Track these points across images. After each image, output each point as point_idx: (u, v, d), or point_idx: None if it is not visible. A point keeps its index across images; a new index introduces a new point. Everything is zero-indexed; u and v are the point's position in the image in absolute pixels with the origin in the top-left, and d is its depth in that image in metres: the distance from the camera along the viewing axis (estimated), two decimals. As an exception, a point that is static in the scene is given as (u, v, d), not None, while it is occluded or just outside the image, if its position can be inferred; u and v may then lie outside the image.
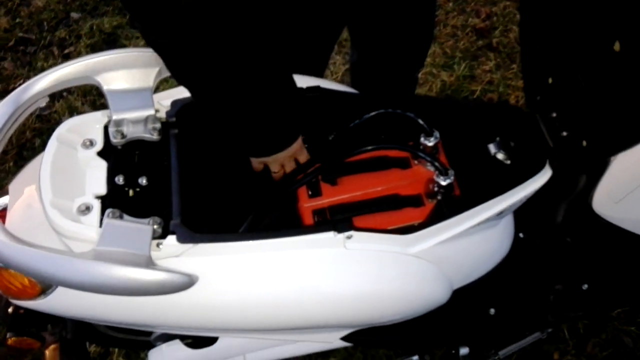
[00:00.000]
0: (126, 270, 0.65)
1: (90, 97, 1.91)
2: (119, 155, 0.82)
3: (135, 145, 0.84)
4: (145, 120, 0.84)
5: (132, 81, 0.84)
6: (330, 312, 0.80)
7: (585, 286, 1.16)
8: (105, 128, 0.83)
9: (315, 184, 0.91)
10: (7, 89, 1.95)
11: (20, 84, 1.95)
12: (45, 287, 0.76)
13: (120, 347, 1.35)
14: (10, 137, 0.80)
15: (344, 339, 0.94)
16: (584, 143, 0.86)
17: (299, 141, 0.87)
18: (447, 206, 0.86)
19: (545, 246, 1.18)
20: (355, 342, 0.95)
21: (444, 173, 0.87)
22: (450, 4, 2.18)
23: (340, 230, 0.77)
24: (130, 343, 1.00)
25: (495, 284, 1.08)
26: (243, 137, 0.82)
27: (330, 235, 0.77)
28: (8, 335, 0.89)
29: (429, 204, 0.90)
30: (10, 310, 0.91)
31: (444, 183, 0.87)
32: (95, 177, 0.78)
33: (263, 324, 0.80)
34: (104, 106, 0.84)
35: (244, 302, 0.76)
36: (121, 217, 0.75)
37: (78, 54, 2.03)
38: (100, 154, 0.81)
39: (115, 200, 0.77)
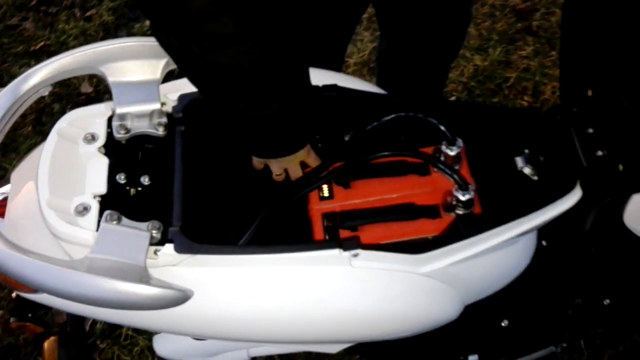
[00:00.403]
0: (118, 284, 0.62)
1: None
2: (121, 151, 0.79)
3: (139, 140, 0.80)
4: (151, 114, 0.80)
5: (138, 73, 0.79)
6: (333, 329, 0.77)
7: (606, 301, 1.11)
8: (109, 122, 0.80)
9: (328, 185, 0.86)
10: (27, 50, 1.92)
11: (40, 46, 1.94)
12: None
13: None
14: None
15: (347, 350, 0.91)
16: (620, 167, 0.79)
17: (307, 146, 0.82)
18: (465, 224, 0.81)
19: (568, 256, 1.12)
20: (359, 353, 0.92)
21: (463, 187, 0.82)
22: (491, -20, 2.05)
23: (346, 248, 0.73)
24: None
25: (510, 294, 1.03)
26: (248, 136, 0.77)
27: (335, 252, 0.73)
28: (11, 320, 0.89)
29: (446, 217, 0.85)
30: (13, 295, 0.90)
31: (463, 198, 0.82)
32: (95, 174, 0.75)
33: (262, 338, 0.78)
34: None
35: (242, 316, 0.73)
36: (119, 220, 0.72)
37: (100, 17, 1.98)
38: (103, 148, 0.78)
39: (114, 201, 0.74)
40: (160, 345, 1.06)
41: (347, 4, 1.11)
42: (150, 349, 1.41)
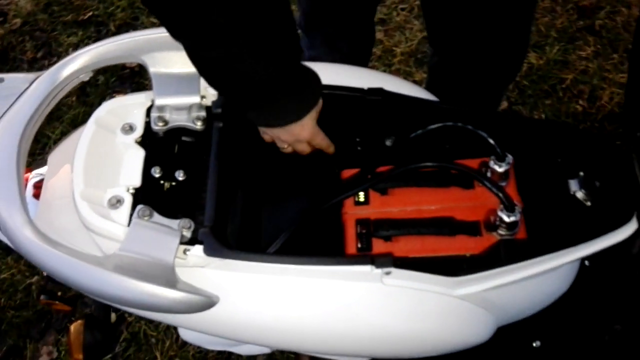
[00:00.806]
0: (144, 286, 0.61)
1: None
2: (158, 143, 0.77)
3: (177, 133, 0.79)
4: (190, 107, 0.78)
5: (180, 64, 0.77)
6: (359, 344, 0.75)
7: (648, 331, 1.05)
8: (147, 112, 0.78)
9: (364, 190, 0.83)
10: (76, 19, 1.94)
11: (88, 16, 1.95)
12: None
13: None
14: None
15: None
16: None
17: (310, 124, 0.76)
18: (507, 250, 0.76)
19: (612, 279, 1.07)
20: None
21: (509, 208, 0.77)
22: (555, -27, 1.94)
23: (378, 265, 0.70)
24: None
25: (544, 315, 0.98)
26: (230, 93, 0.71)
27: (367, 268, 0.70)
28: (41, 297, 0.90)
29: (487, 236, 0.81)
30: (45, 272, 0.92)
31: (507, 220, 0.77)
32: (131, 166, 0.74)
33: (286, 346, 0.76)
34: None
35: (267, 324, 0.71)
36: (151, 216, 0.71)
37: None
38: (140, 139, 0.76)
39: (148, 195, 0.73)
40: (184, 330, 1.07)
41: None
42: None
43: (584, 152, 0.84)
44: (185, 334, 1.06)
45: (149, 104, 0.78)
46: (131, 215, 0.71)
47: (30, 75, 0.75)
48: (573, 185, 0.82)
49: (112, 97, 0.82)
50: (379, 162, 0.85)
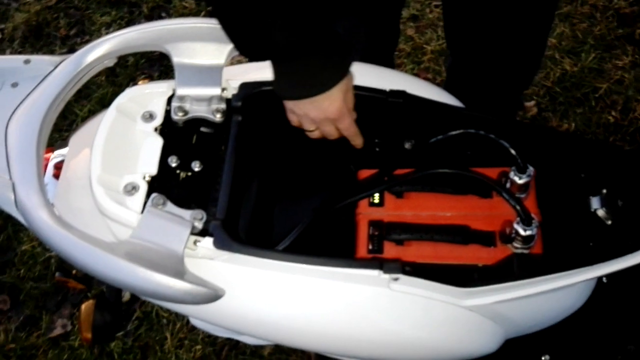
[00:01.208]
0: (153, 275, 0.62)
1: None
2: (177, 133, 0.78)
3: (196, 124, 0.79)
4: (210, 99, 0.78)
5: (203, 55, 0.77)
6: (361, 347, 0.75)
7: (663, 354, 1.03)
8: (168, 101, 0.78)
9: (379, 192, 0.83)
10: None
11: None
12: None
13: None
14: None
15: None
16: None
17: (337, 96, 0.72)
18: (521, 264, 0.75)
19: (629, 298, 1.04)
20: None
21: (526, 222, 0.75)
22: (597, -23, 1.88)
23: (386, 270, 0.70)
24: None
25: (555, 329, 0.97)
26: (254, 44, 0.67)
27: (374, 273, 0.69)
28: (56, 274, 0.92)
29: (501, 247, 0.79)
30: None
31: (523, 233, 0.76)
32: (148, 154, 0.74)
33: (290, 343, 0.77)
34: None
35: (272, 320, 0.72)
36: (164, 205, 0.71)
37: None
38: (159, 129, 0.77)
39: (163, 183, 0.74)
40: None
41: None
42: (188, 310, 1.45)
43: (609, 169, 0.82)
44: (195, 320, 1.08)
45: (170, 93, 0.78)
46: (145, 202, 0.72)
47: (56, 58, 0.76)
48: (594, 202, 0.80)
49: (135, 83, 0.82)
50: (397, 165, 0.84)
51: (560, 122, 1.66)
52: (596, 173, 0.82)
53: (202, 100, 0.78)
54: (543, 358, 1.04)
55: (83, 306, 0.84)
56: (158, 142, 0.75)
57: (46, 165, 0.84)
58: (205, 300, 0.66)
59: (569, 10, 1.82)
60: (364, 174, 0.86)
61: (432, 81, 1.77)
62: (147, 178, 0.74)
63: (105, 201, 0.69)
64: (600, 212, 0.80)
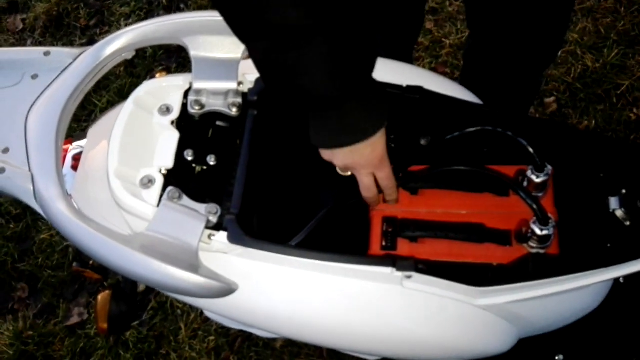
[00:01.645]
0: (167, 269, 0.63)
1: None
2: (193, 126, 0.78)
3: (212, 117, 0.79)
4: (226, 93, 0.78)
5: (220, 49, 0.77)
6: (373, 343, 0.75)
7: (679, 359, 1.01)
8: (185, 94, 0.79)
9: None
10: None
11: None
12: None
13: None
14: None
15: None
16: None
17: (379, 143, 0.67)
18: (536, 265, 0.74)
19: (647, 300, 1.02)
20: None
21: (543, 222, 0.74)
22: (621, -30, 1.84)
23: (399, 268, 0.70)
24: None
25: (570, 329, 0.96)
26: (295, 99, 0.63)
27: (387, 270, 0.69)
28: (74, 264, 0.94)
29: (517, 247, 0.79)
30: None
31: (539, 233, 0.75)
32: (165, 147, 0.75)
33: (302, 337, 0.77)
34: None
35: (284, 315, 0.72)
36: (180, 198, 0.72)
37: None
38: (175, 122, 0.77)
39: (179, 177, 0.74)
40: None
41: None
42: (202, 301, 1.46)
43: (629, 169, 0.80)
44: (208, 312, 1.09)
45: (187, 86, 0.79)
46: (161, 196, 0.72)
47: (75, 51, 0.76)
48: (613, 202, 0.79)
49: (152, 76, 0.82)
50: (412, 161, 0.84)
51: (580, 119, 1.63)
52: (615, 173, 0.81)
53: (219, 94, 0.78)
54: (557, 358, 1.03)
55: (99, 297, 0.85)
56: (174, 135, 0.76)
57: (65, 157, 0.85)
58: (218, 294, 0.66)
59: (592, 5, 1.78)
60: None
61: (450, 75, 1.75)
62: (163, 171, 0.74)
63: (122, 194, 0.70)
64: (619, 213, 0.78)
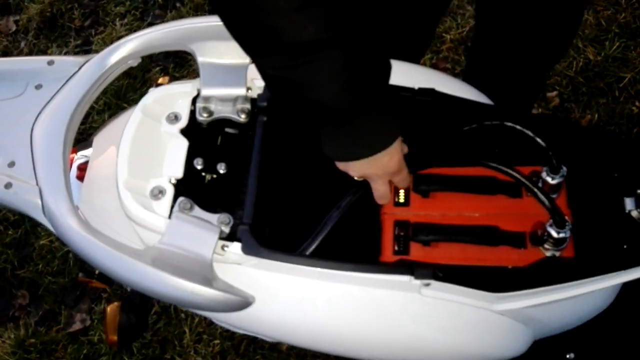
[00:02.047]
0: (182, 283, 0.61)
1: (202, 13, 1.85)
2: (202, 134, 0.77)
3: (220, 124, 0.78)
4: (235, 99, 0.77)
5: (227, 54, 0.75)
6: (391, 353, 0.74)
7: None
8: (192, 102, 0.77)
9: (405, 191, 0.81)
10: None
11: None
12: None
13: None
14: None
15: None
16: None
17: (397, 151, 0.66)
18: (554, 269, 0.73)
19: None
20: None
21: (560, 224, 0.73)
22: (621, -38, 1.82)
23: (418, 276, 0.68)
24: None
25: (581, 327, 0.95)
26: (309, 118, 0.62)
27: (406, 279, 0.68)
28: (79, 274, 0.92)
29: (532, 249, 0.78)
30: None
31: (556, 235, 0.74)
32: (174, 157, 0.73)
33: (318, 348, 0.76)
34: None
35: (300, 326, 0.71)
36: (191, 209, 0.70)
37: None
38: (184, 130, 0.75)
39: (189, 186, 0.73)
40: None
41: None
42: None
43: (645, 169, 0.79)
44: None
45: (194, 93, 0.77)
46: (172, 207, 0.70)
47: (80, 59, 0.74)
48: (629, 203, 0.78)
49: (157, 85, 0.80)
50: (424, 164, 0.83)
51: (583, 113, 1.63)
52: (630, 173, 0.80)
53: (227, 100, 0.76)
54: (568, 356, 1.02)
55: (108, 308, 0.84)
56: (183, 143, 0.74)
57: (70, 167, 0.83)
58: (235, 308, 0.65)
59: (594, -3, 1.78)
60: None
61: (451, 71, 1.74)
62: (173, 181, 0.72)
63: (133, 206, 0.68)
64: (635, 214, 0.77)
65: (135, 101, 1.72)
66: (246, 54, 0.57)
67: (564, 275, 0.72)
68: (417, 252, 0.78)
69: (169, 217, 0.69)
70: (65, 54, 1.86)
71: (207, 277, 0.64)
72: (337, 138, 0.63)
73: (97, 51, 1.84)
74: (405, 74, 0.83)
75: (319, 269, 0.67)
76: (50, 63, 0.75)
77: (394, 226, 0.79)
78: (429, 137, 0.86)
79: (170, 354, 1.44)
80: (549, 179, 0.78)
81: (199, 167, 0.75)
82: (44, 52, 1.89)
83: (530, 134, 0.76)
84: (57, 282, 1.53)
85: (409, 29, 1.02)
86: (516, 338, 0.79)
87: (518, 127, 0.77)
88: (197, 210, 0.71)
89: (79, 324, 1.48)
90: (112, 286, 0.92)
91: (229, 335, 1.45)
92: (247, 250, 0.68)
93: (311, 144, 0.83)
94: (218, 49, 0.75)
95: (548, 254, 0.76)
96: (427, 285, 0.69)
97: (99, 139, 0.83)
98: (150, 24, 1.89)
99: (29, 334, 1.48)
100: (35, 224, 1.59)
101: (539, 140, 0.76)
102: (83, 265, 0.93)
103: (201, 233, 0.67)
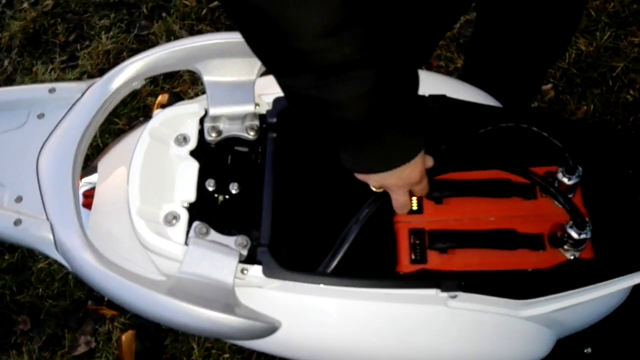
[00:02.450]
0: (206, 313, 0.59)
1: (188, 22, 1.82)
2: (211, 154, 0.74)
3: (229, 143, 0.76)
4: (244, 116, 0.75)
5: (234, 72, 0.73)
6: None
7: None
8: (200, 122, 0.75)
9: (417, 198, 0.79)
10: (107, 1, 1.89)
11: (121, -1, 1.90)
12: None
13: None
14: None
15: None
16: None
17: (419, 162, 0.64)
18: (577, 271, 0.72)
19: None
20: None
21: (581, 226, 0.73)
22: (607, -48, 1.83)
23: (445, 289, 0.67)
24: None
25: (598, 323, 0.95)
26: (333, 135, 0.59)
27: (432, 292, 0.67)
28: (89, 302, 0.90)
29: (551, 251, 0.77)
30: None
31: (576, 237, 0.73)
32: (185, 180, 0.71)
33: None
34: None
35: (328, 347, 0.69)
36: (207, 233, 0.68)
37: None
38: (193, 151, 0.73)
39: (203, 210, 0.71)
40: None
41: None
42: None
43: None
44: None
45: (202, 113, 0.75)
46: (187, 232, 0.68)
47: (82, 85, 0.72)
48: (646, 202, 0.78)
49: (162, 106, 0.78)
50: (440, 170, 0.81)
51: (578, 104, 1.63)
52: None
53: (236, 118, 0.74)
54: (585, 351, 1.02)
55: (123, 337, 0.82)
56: (194, 166, 0.72)
57: (76, 195, 0.81)
58: (262, 335, 0.63)
59: (581, -12, 1.78)
60: None
61: (445, 69, 1.73)
62: (186, 205, 0.70)
63: (148, 235, 0.66)
64: (652, 210, 0.77)
65: (125, 115, 1.71)
66: (271, 74, 0.55)
67: (587, 277, 0.71)
68: (434, 260, 0.77)
69: (186, 242, 0.67)
70: (51, 70, 1.82)
71: (230, 304, 0.62)
72: (360, 152, 0.61)
73: (83, 66, 1.81)
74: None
75: (344, 288, 0.66)
76: (52, 90, 0.72)
77: (409, 235, 0.78)
78: (444, 143, 0.85)
79: (180, 372, 1.42)
80: (565, 180, 0.77)
81: (210, 189, 0.73)
82: (28, 70, 1.85)
83: (546, 135, 0.76)
84: (59, 305, 1.49)
85: (426, 38, 1.00)
86: (541, 342, 0.78)
87: (535, 128, 0.76)
88: (214, 234, 0.69)
89: (84, 347, 1.45)
90: (125, 314, 0.90)
91: (237, 348, 1.42)
92: (268, 272, 0.66)
93: (322, 156, 0.82)
94: (224, 67, 0.73)
95: (568, 255, 0.75)
96: (454, 297, 0.68)
97: (103, 164, 0.80)
98: (137, 36, 1.86)
99: (33, 361, 1.45)
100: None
101: (555, 141, 0.75)
102: (91, 291, 0.90)
103: (221, 258, 0.65)
